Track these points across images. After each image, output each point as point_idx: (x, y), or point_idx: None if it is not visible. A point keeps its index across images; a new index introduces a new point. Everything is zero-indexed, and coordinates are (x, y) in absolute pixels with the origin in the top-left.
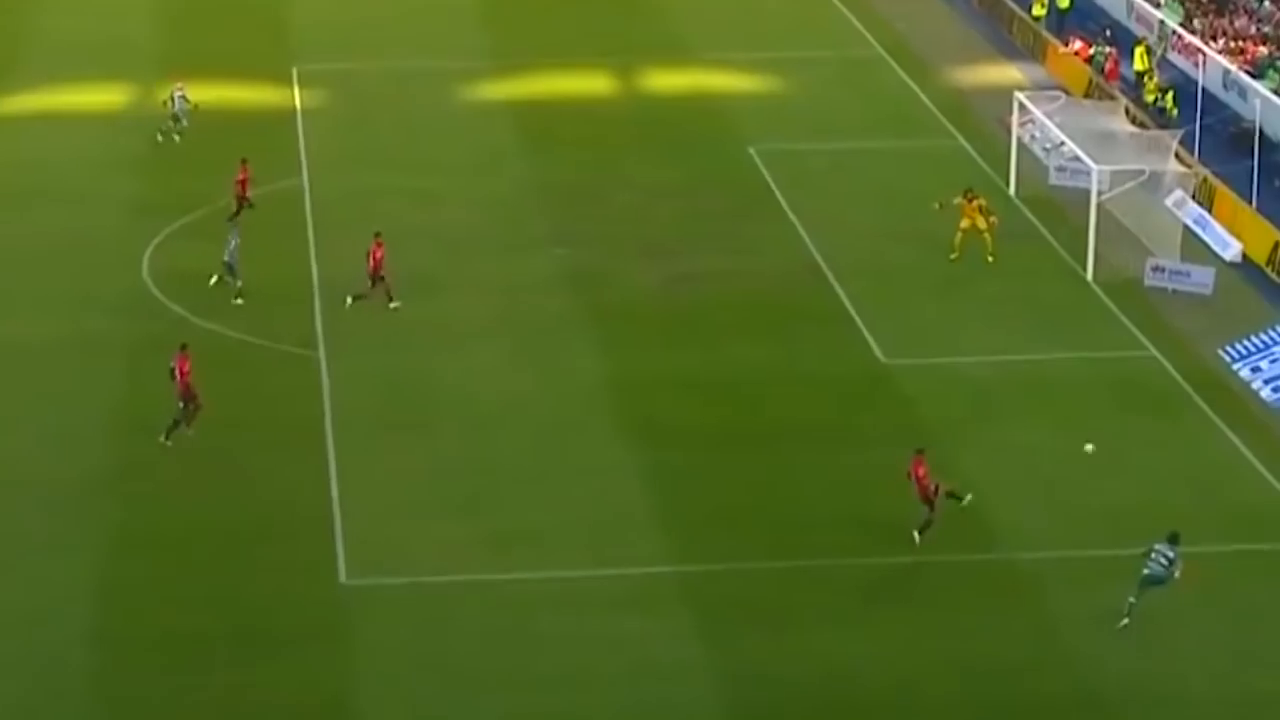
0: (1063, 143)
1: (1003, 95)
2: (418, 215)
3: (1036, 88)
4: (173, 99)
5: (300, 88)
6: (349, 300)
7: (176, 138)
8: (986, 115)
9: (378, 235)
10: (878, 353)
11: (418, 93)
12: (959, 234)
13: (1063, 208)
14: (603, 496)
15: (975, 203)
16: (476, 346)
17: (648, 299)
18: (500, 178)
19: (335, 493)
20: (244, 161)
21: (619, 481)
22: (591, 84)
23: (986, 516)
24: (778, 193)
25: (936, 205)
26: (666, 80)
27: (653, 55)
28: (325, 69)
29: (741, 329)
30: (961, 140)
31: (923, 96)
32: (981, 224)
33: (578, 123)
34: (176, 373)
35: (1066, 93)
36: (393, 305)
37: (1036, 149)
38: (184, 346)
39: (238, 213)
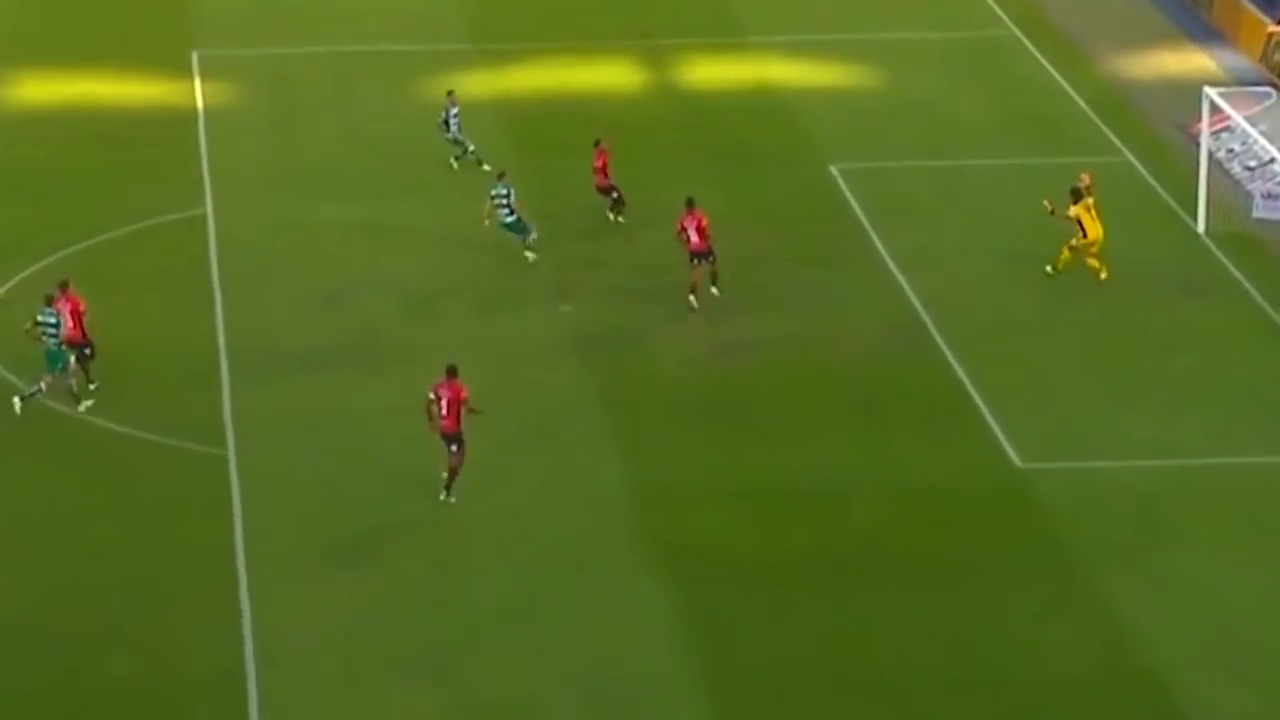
0: (1273, 159)
1: (1187, 92)
2: (369, 258)
3: (1236, 83)
4: None
5: (203, 80)
6: None
7: None
8: (1163, 120)
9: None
10: (1010, 453)
11: (368, 87)
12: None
13: (1271, 251)
14: (621, 652)
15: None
16: (451, 441)
17: (686, 375)
18: (484, 206)
19: (250, 648)
20: None
21: (644, 631)
22: (611, 76)
23: (1157, 678)
24: (869, 227)
25: (1047, 207)
26: (714, 71)
27: (696, 37)
28: (238, 55)
29: (816, 418)
30: (1128, 154)
31: (1073, 94)
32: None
33: (591, 130)
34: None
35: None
36: None
37: (1235, 167)
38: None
39: None
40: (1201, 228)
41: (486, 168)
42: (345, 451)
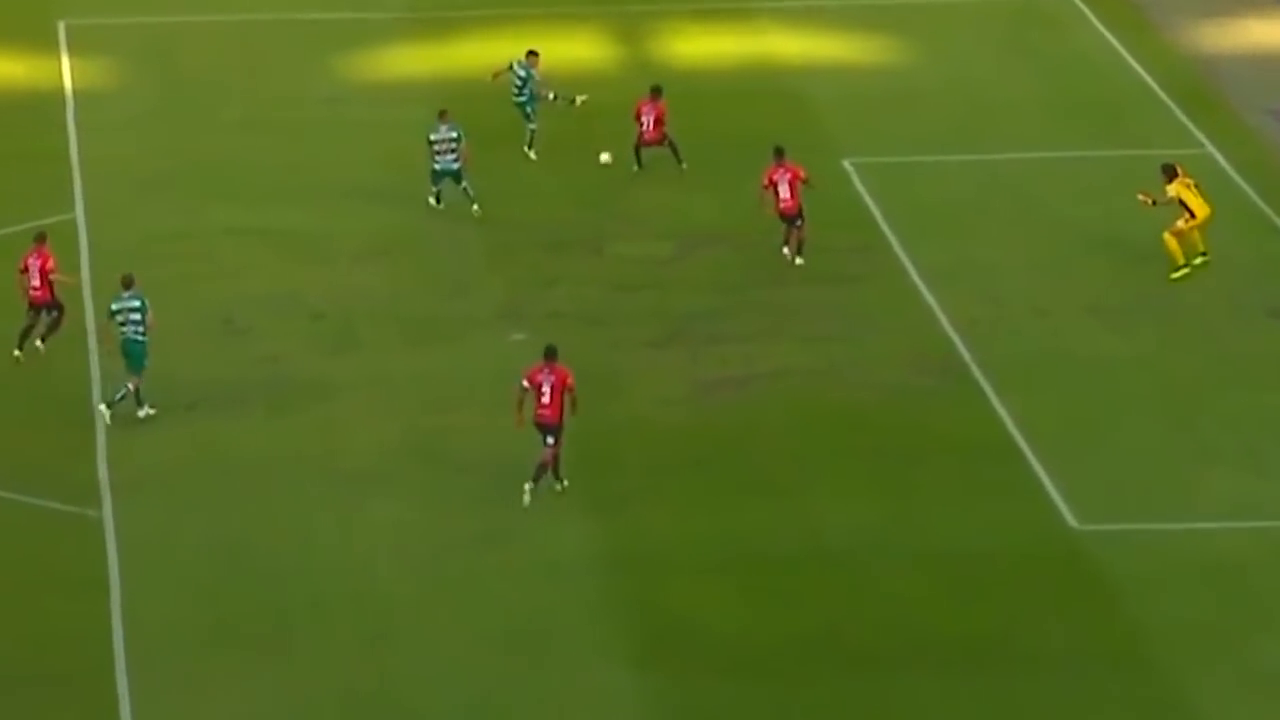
0: None
1: None
2: (275, 274)
3: None
4: None
5: (71, 55)
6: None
7: None
8: (1252, 104)
9: None
10: (1064, 512)
11: (276, 64)
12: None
13: None
14: None
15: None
16: (377, 498)
17: (667, 417)
18: (420, 210)
19: None
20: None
21: None
22: (576, 49)
23: None
24: (890, 234)
25: (1144, 200)
26: (704, 45)
27: (682, 1)
28: (115, 24)
29: (827, 470)
30: (1209, 146)
31: (1141, 71)
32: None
33: (550, 112)
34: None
35: None
36: None
37: None
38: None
39: None
40: None
41: (533, 155)
42: (246, 510)
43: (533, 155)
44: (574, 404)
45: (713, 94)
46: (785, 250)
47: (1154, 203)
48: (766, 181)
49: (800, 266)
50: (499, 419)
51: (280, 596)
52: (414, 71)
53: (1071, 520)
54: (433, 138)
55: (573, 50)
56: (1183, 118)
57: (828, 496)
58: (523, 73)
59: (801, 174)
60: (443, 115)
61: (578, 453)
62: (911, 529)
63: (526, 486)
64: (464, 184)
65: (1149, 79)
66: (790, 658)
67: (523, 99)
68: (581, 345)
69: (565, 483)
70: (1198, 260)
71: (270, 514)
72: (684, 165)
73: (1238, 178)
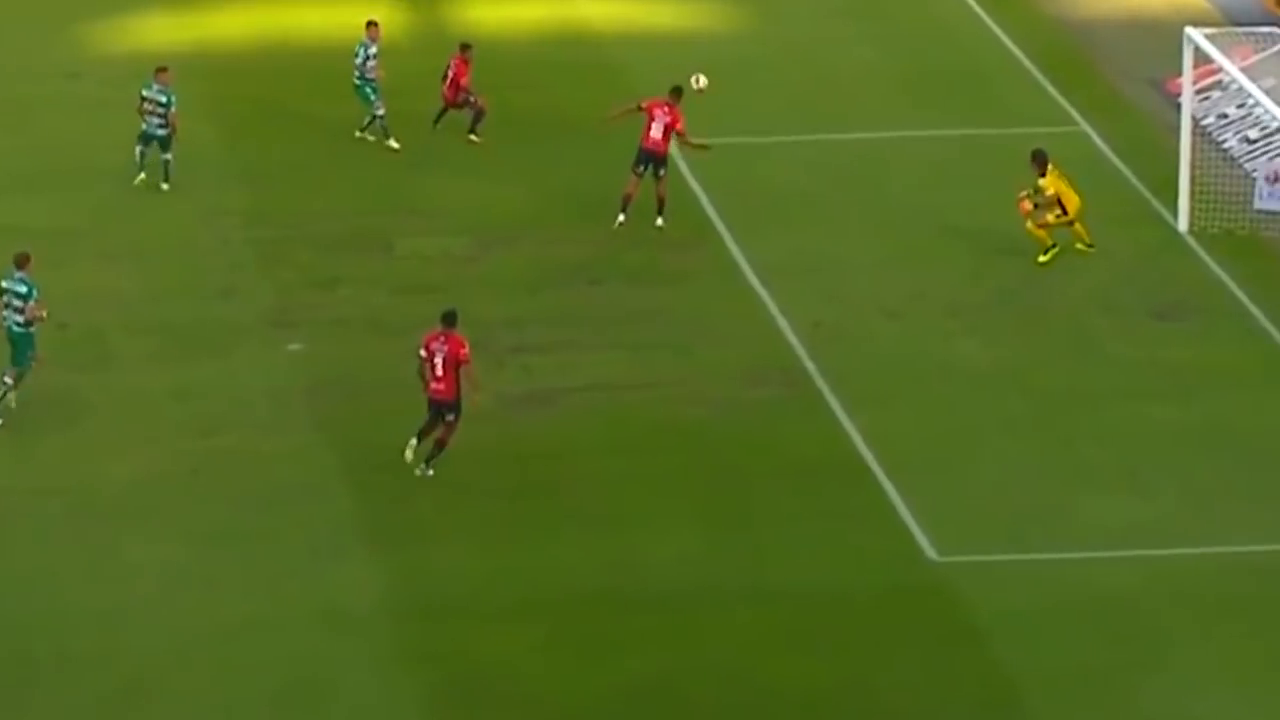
0: None
1: (1165, 36)
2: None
3: (1231, 22)
4: None
5: None
6: None
7: None
8: (1132, 75)
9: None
10: (923, 543)
11: (8, 32)
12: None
13: (1278, 253)
14: None
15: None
16: (133, 536)
17: (465, 439)
18: (180, 203)
19: None
20: None
21: None
22: (354, 16)
23: None
24: (722, 227)
25: (1027, 205)
26: (506, 10)
27: None
28: None
29: (651, 497)
30: (1083, 124)
31: (1007, 41)
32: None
33: (333, 91)
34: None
35: None
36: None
37: (1230, 140)
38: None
39: None
40: (1183, 224)
41: (394, 144)
42: None
43: (394, 144)
44: (471, 380)
45: (516, 66)
46: (621, 216)
47: (1036, 206)
48: (643, 105)
49: (659, 228)
50: (274, 441)
51: (23, 649)
52: (169, 43)
53: (931, 551)
54: (144, 94)
55: (344, 16)
56: (1053, 91)
57: (652, 528)
58: (364, 51)
59: (680, 126)
60: (159, 73)
61: (358, 480)
62: (748, 564)
63: (418, 471)
64: (168, 155)
65: (1014, 48)
66: (610, 714)
67: (363, 80)
68: (367, 355)
69: (430, 472)
70: (1080, 246)
71: (10, 555)
72: (474, 138)
73: (1114, 158)
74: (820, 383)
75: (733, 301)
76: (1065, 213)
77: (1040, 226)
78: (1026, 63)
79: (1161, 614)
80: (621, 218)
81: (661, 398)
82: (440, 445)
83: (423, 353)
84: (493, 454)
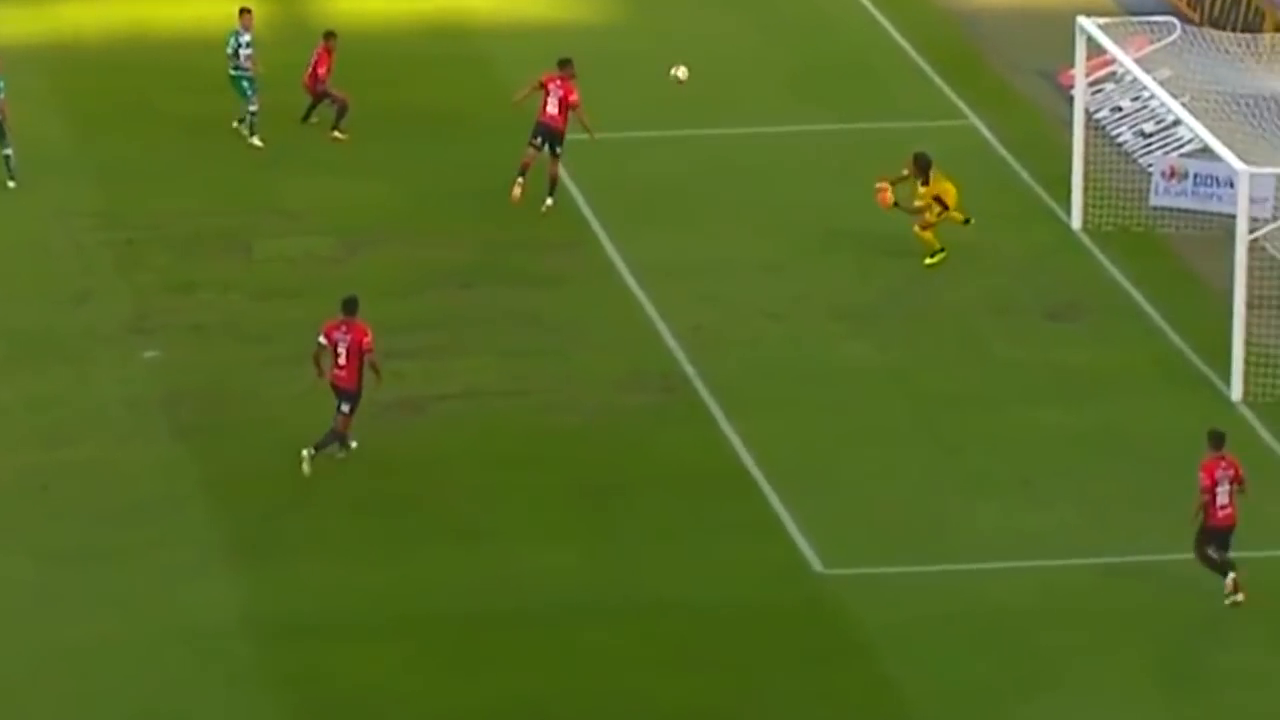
0: (1178, 121)
1: (1056, 26)
2: None
3: (1125, 11)
4: None
5: None
6: None
7: None
8: (1020, 65)
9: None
10: (807, 554)
11: None
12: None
13: (1174, 253)
14: None
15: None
16: None
17: (336, 452)
18: (30, 202)
19: None
20: None
21: None
22: (210, 7)
23: None
24: (598, 226)
25: (887, 191)
26: (377, 1)
27: None
28: None
29: (528, 510)
30: (971, 117)
31: (891, 30)
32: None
33: (190, 86)
34: None
35: (1185, 20)
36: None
37: (1125, 134)
38: None
39: None
40: (1076, 222)
41: (257, 142)
42: None
43: (256, 142)
44: (375, 370)
45: (383, 60)
46: (517, 187)
47: (896, 204)
48: (539, 83)
49: (547, 208)
50: (130, 453)
51: None
52: (18, 35)
53: (815, 563)
54: None
55: (222, 9)
56: (941, 84)
57: (525, 541)
58: (236, 40)
59: (574, 99)
60: None
61: (219, 494)
62: (626, 578)
63: (305, 453)
64: (7, 150)
65: (901, 39)
66: None
67: (239, 72)
68: (227, 362)
69: (349, 450)
70: (956, 216)
71: None
72: (338, 134)
73: (1005, 153)
74: (700, 388)
75: (610, 304)
76: (946, 208)
77: (925, 228)
78: (914, 54)
79: (1055, 627)
80: (518, 188)
81: (536, 405)
82: (333, 434)
83: (323, 339)
84: (360, 465)
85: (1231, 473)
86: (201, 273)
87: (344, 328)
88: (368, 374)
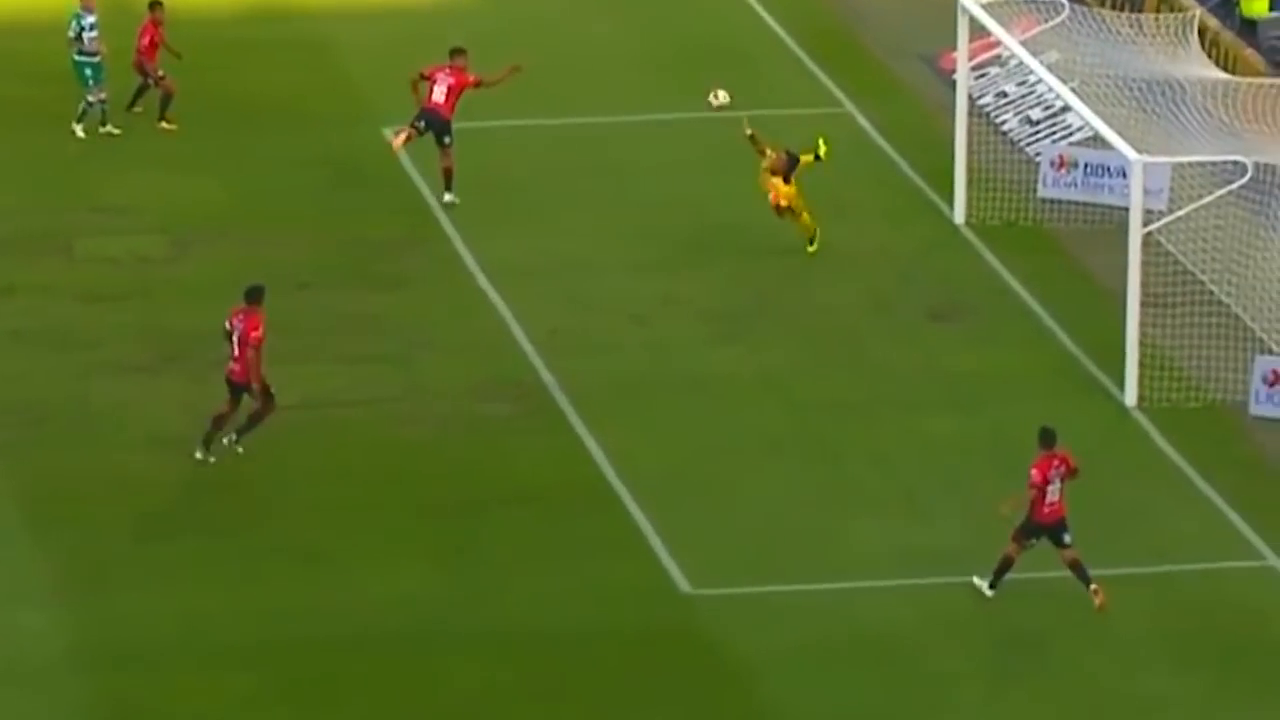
0: (1067, 108)
1: (937, 6)
2: None
3: None
4: None
5: None
6: None
7: None
8: (900, 49)
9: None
10: (674, 574)
11: None
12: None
13: (1064, 249)
14: None
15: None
16: None
17: (159, 465)
18: None
19: None
20: None
21: None
22: None
23: None
24: (447, 223)
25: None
26: None
27: None
28: None
29: (377, 529)
30: (847, 104)
31: (762, 12)
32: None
33: (4, 73)
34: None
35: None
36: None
37: (1010, 121)
38: None
39: None
40: (960, 216)
41: (80, 133)
42: None
43: (80, 132)
44: (254, 365)
45: (213, 45)
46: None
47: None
48: (424, 74)
49: (451, 204)
50: None
51: None
52: None
53: (683, 584)
54: None
55: None
56: (814, 69)
57: (374, 562)
58: (78, 23)
59: (473, 79)
60: None
61: (37, 514)
62: (483, 601)
63: (197, 455)
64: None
65: (772, 22)
66: None
67: (84, 57)
68: (47, 372)
69: (240, 448)
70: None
71: None
72: (165, 124)
73: (883, 143)
74: (559, 397)
75: (460, 307)
76: (796, 160)
77: (797, 214)
78: (786, 38)
79: (943, 651)
80: (400, 137)
81: (381, 416)
82: (253, 419)
83: (227, 325)
84: (193, 482)
85: (1064, 469)
86: (19, 275)
87: (240, 316)
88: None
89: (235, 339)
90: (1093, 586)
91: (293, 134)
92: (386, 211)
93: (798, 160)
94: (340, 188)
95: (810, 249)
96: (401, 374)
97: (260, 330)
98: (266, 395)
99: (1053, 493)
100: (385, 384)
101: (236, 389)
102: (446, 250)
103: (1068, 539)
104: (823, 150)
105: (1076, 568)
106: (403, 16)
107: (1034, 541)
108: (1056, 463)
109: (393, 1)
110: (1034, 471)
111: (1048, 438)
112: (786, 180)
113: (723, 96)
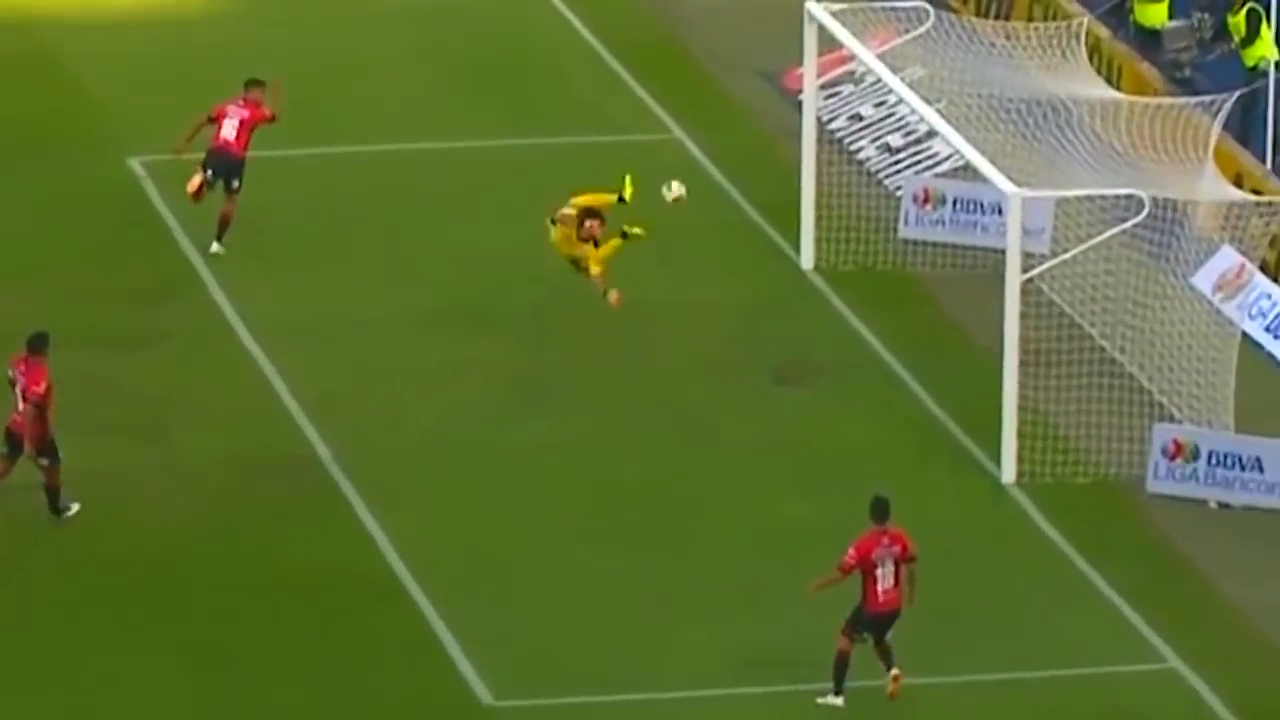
0: (933, 133)
1: (781, 15)
2: None
3: None
4: None
5: None
6: None
7: None
8: (737, 65)
9: None
10: (475, 685)
11: None
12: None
13: (933, 297)
14: None
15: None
16: None
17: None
18: None
19: None
20: None
21: None
22: None
23: None
24: (205, 272)
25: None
26: None
27: None
28: None
29: (123, 639)
30: (676, 130)
31: (579, 25)
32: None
33: None
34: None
35: (942, 6)
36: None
37: (866, 149)
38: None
39: None
40: (808, 260)
41: None
42: None
43: None
44: (34, 423)
45: None
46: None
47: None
48: (212, 115)
49: (216, 255)
50: None
51: None
52: None
53: (484, 694)
54: None
55: None
56: (637, 88)
57: (120, 673)
58: None
59: (267, 113)
60: None
61: None
62: (248, 716)
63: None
64: None
65: (585, 31)
66: None
67: None
68: None
69: (68, 513)
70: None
71: None
72: None
73: (718, 174)
74: (336, 473)
75: (221, 369)
76: (601, 218)
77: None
78: (602, 50)
79: None
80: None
81: (128, 499)
82: (50, 490)
83: (10, 373)
84: None
85: (897, 549)
86: None
87: (23, 366)
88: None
89: (19, 391)
90: (894, 672)
91: (22, 161)
92: (136, 256)
93: (597, 214)
94: (81, 228)
95: (611, 301)
96: (153, 448)
97: (43, 385)
98: (52, 454)
99: (884, 577)
100: (133, 459)
101: (15, 443)
102: (205, 302)
103: (891, 635)
104: (628, 191)
105: (885, 653)
106: (145, 26)
107: (867, 635)
108: (887, 540)
109: (133, 11)
110: (851, 550)
111: (879, 510)
112: (599, 243)
113: (676, 189)
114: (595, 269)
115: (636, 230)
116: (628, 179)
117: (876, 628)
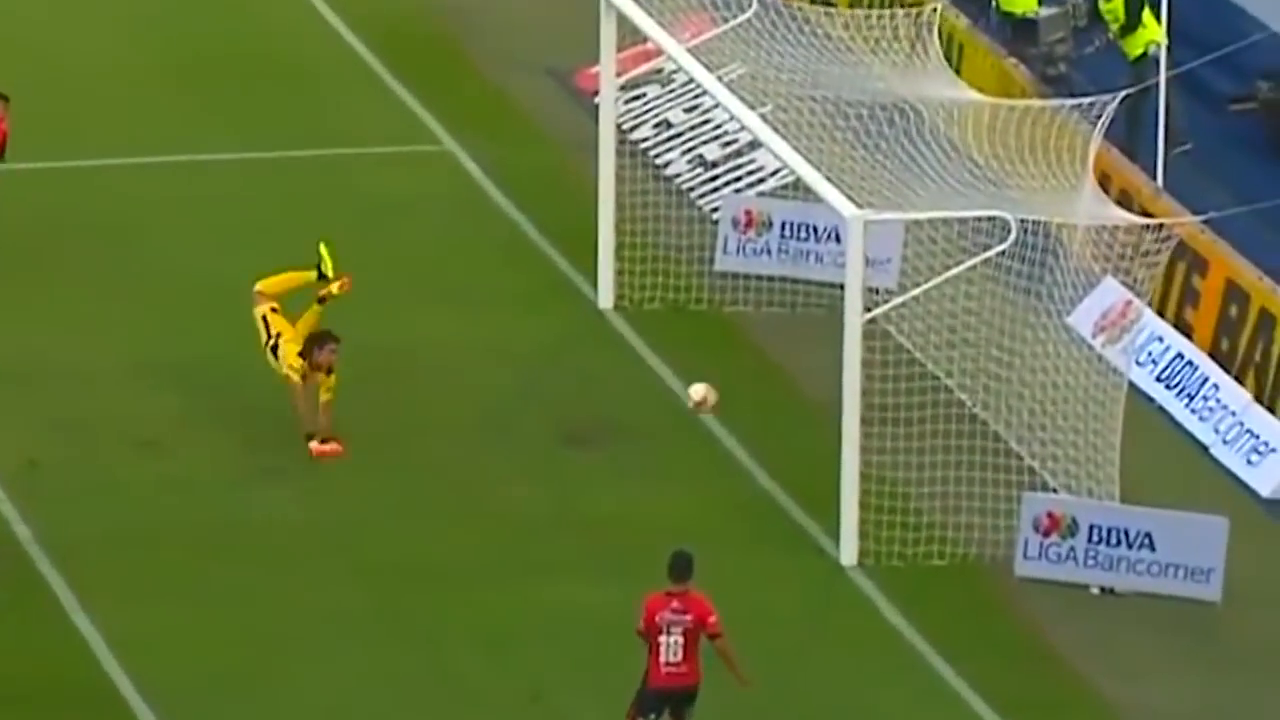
0: (756, 143)
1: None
2: None
3: None
4: None
5: None
6: None
7: None
8: (520, 63)
9: None
10: None
11: None
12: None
13: (756, 340)
14: None
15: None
16: None
17: None
18: None
19: None
20: None
21: None
22: None
23: None
24: None
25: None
26: None
27: None
28: None
29: None
30: (447, 141)
31: (333, 20)
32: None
33: None
34: None
35: None
36: None
37: (677, 162)
38: None
39: None
40: (605, 298)
41: None
42: None
43: None
44: None
45: None
46: None
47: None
48: None
49: None
50: None
51: None
52: None
53: None
54: None
55: None
56: (399, 89)
57: None
58: None
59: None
60: None
61: None
62: None
63: None
64: None
65: (341, 27)
66: None
67: None
68: None
69: None
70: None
71: None
72: None
73: (497, 193)
74: (39, 558)
75: None
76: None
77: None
78: (360, 48)
79: None
80: None
81: None
82: None
83: None
84: None
85: (689, 618)
86: None
87: None
88: None
89: None
90: None
91: None
92: None
93: (329, 339)
94: None
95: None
96: None
97: None
98: None
99: (669, 648)
100: None
101: None
102: None
103: (689, 715)
104: (327, 265)
105: None
106: None
107: (654, 717)
108: (678, 605)
109: None
110: (641, 617)
111: (678, 568)
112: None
113: (700, 393)
114: (325, 395)
115: (333, 288)
116: (322, 248)
117: (665, 708)
